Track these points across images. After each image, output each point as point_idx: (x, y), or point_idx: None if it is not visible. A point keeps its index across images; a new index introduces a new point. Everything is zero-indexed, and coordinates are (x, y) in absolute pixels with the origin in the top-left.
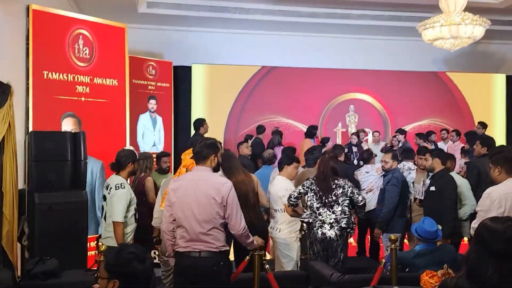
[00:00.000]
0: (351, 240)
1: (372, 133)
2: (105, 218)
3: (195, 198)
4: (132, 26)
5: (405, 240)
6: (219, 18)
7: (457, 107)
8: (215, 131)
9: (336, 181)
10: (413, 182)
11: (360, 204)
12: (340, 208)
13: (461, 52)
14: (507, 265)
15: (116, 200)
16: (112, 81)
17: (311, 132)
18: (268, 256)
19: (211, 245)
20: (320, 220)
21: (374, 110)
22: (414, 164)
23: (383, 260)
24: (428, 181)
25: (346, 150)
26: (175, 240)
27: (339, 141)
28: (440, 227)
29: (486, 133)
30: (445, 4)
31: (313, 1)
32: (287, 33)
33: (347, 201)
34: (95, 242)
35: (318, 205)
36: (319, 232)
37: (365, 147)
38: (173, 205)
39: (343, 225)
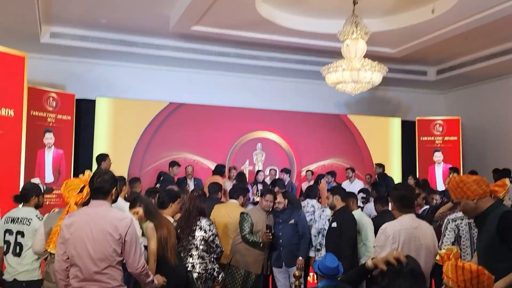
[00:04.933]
0: None
1: (270, 170)
2: (18, 254)
3: (90, 234)
4: (34, 55)
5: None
6: (127, 52)
7: (357, 148)
8: (119, 166)
9: (198, 222)
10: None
11: (216, 255)
12: (197, 253)
13: (361, 97)
14: None
15: None
16: (8, 111)
17: (220, 170)
18: None
19: (107, 285)
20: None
21: (281, 149)
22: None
23: None
24: None
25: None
26: (68, 280)
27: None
28: None
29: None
30: (347, 50)
31: (223, 41)
32: (196, 70)
33: (205, 247)
34: None
35: (179, 249)
36: None
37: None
38: (67, 242)
39: (200, 271)
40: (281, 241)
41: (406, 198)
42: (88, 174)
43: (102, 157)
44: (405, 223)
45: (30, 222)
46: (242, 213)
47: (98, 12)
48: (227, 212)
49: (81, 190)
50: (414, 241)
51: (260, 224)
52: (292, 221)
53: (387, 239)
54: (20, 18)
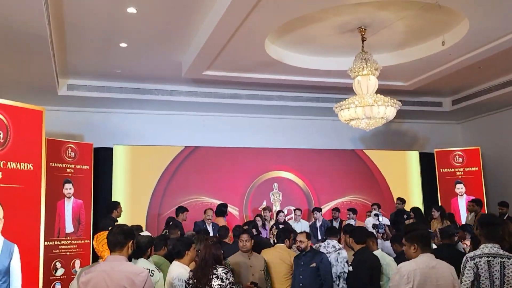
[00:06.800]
0: None
1: (294, 211)
2: None
3: None
4: (52, 108)
5: None
6: (141, 100)
7: (376, 183)
8: (137, 213)
9: (215, 270)
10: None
11: None
12: None
13: (377, 131)
14: None
15: None
16: (27, 165)
17: (221, 210)
18: None
19: None
20: None
21: (297, 188)
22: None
23: None
24: None
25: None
26: None
27: None
28: None
29: (406, 207)
30: (358, 87)
31: (234, 83)
32: (210, 113)
33: None
34: None
35: None
36: None
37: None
38: None
39: None
40: (301, 284)
41: (426, 237)
42: None
43: (114, 205)
44: (421, 262)
45: (152, 274)
46: None
47: (112, 63)
48: (280, 256)
49: None
50: (431, 282)
51: (239, 268)
52: (313, 265)
53: (402, 279)
54: (38, 73)
